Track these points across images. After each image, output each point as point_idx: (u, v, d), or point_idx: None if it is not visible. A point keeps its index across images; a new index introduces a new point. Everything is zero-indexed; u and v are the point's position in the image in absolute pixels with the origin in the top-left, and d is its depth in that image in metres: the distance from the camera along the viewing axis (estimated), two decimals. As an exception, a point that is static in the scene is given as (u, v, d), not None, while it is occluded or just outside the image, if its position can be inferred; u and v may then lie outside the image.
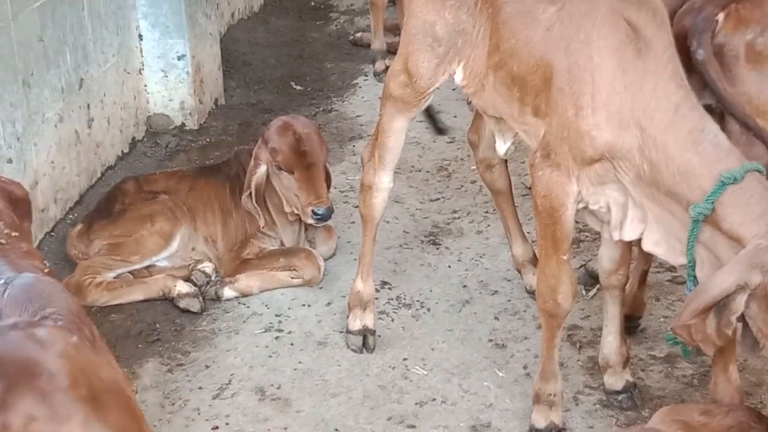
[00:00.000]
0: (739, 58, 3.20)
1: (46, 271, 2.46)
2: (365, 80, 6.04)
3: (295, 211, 4.16)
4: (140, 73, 5.38)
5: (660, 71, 2.92)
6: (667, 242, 2.96)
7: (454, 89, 5.63)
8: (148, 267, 4.27)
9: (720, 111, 3.36)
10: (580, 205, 3.07)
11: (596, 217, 3.14)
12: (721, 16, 3.21)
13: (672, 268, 4.14)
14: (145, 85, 5.43)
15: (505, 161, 4.01)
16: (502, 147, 3.53)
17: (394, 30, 5.97)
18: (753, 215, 2.73)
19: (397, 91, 3.56)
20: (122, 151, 5.26)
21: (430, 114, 4.44)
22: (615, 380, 3.51)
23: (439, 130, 4.38)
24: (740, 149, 3.26)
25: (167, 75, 5.42)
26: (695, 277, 2.88)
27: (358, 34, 6.67)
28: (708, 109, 3.39)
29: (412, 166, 5.08)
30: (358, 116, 5.62)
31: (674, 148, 2.84)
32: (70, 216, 4.65)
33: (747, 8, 3.23)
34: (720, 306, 2.69)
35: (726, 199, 2.76)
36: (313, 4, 7.49)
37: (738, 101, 3.20)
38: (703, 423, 2.82)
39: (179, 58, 5.38)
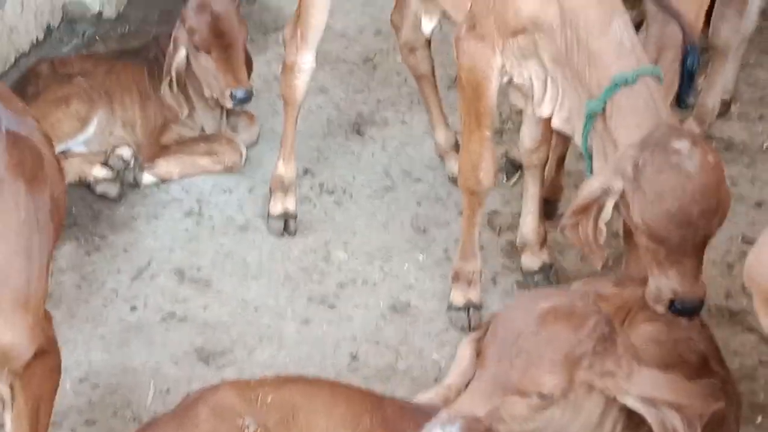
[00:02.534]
0: (656, -66, 3.19)
1: None
2: (290, -29, 5.90)
3: (215, 96, 4.08)
4: (55, -43, 5.17)
5: None
6: (575, 123, 2.98)
7: (380, -18, 5.63)
8: (63, 152, 4.16)
9: (638, -8, 3.37)
10: (505, 78, 3.07)
11: (520, 92, 3.14)
12: None
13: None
14: (60, -30, 5.22)
15: (429, 45, 3.98)
16: (428, 25, 3.51)
17: None
18: (632, 122, 2.77)
19: (319, -34, 3.48)
20: (37, 38, 5.07)
21: None
22: (532, 260, 3.56)
23: None
24: (656, 27, 3.28)
25: (83, -41, 5.21)
26: (593, 168, 2.93)
27: (284, -73, 6.48)
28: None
29: (338, 57, 5.00)
30: (282, 6, 5.48)
31: (584, 32, 2.85)
32: (-18, 101, 4.49)
33: None
34: (592, 210, 2.75)
35: (615, 100, 2.80)
36: None
37: (653, -21, 3.20)
38: (616, 293, 2.88)
39: (96, -58, 5.18)
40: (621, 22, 2.85)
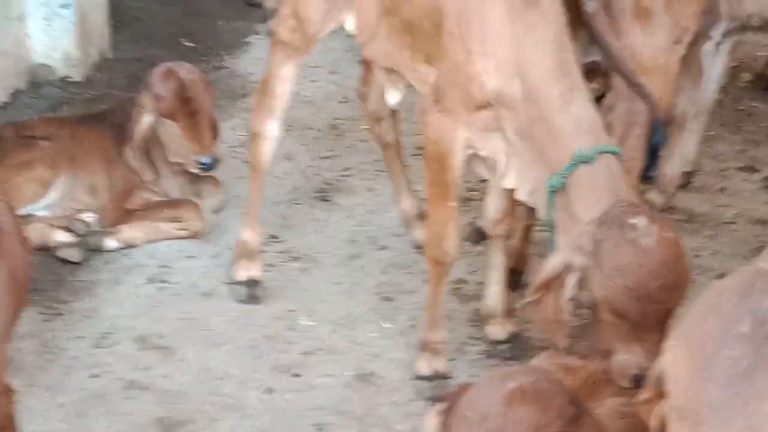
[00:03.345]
0: (626, 12, 3.27)
1: None
2: (258, 38, 5.95)
3: (181, 161, 4.07)
4: (21, 21, 5.18)
5: (544, 27, 2.96)
6: (539, 196, 3.01)
7: (347, 51, 5.69)
8: (25, 216, 4.11)
9: (607, 67, 3.44)
10: (469, 151, 3.10)
11: (484, 164, 3.17)
12: (610, -29, 3.27)
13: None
14: (27, 33, 5.23)
15: (395, 115, 4.01)
16: (393, 97, 3.53)
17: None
18: (592, 199, 2.82)
19: (286, 36, 3.53)
20: (2, 100, 5.06)
21: None
22: (498, 330, 3.56)
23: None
24: (623, 104, 3.35)
25: (50, 24, 5.22)
26: (554, 241, 2.96)
27: (253, -6, 6.55)
28: (595, 65, 3.47)
29: (304, 124, 5.03)
30: (249, 74, 5.53)
31: (545, 108, 2.90)
32: (-55, 164, 4.45)
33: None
34: (553, 287, 2.79)
35: (576, 176, 2.85)
36: (206, -38, 7.33)
37: (622, 56, 3.27)
38: (581, 366, 2.87)
39: (63, 7, 5.20)
40: (581, 100, 2.90)
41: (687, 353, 1.83)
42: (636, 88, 3.26)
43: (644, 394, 2.02)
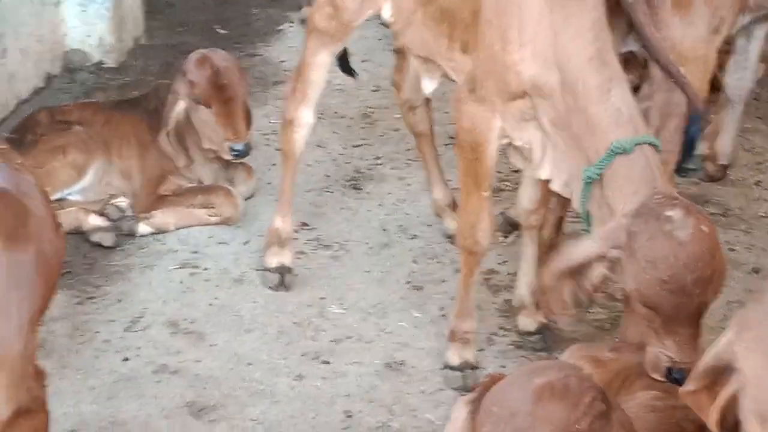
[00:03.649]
0: (665, 2, 3.23)
1: None
2: (291, 26, 5.96)
3: (214, 148, 4.08)
4: (57, 6, 5.21)
5: (583, 16, 2.92)
6: (574, 187, 2.99)
7: (380, 39, 5.68)
8: (59, 200, 4.15)
9: (643, 58, 3.40)
10: (504, 141, 3.08)
11: (520, 154, 3.15)
12: (651, -40, 3.23)
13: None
14: (63, 19, 5.26)
15: (428, 103, 4.00)
16: (428, 86, 3.51)
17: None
18: (628, 191, 2.78)
19: (322, 24, 3.52)
20: (37, 85, 5.10)
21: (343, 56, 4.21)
22: (528, 321, 3.54)
23: (349, 71, 4.20)
24: (661, 95, 3.31)
25: (86, 9, 5.26)
26: (590, 233, 2.93)
27: (286, -18, 6.55)
28: (632, 56, 3.43)
29: (336, 112, 5.03)
30: (282, 61, 5.55)
31: (582, 98, 2.86)
32: (-20, 147, 4.49)
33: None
34: (579, 273, 2.77)
35: (612, 168, 2.82)
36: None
37: (662, 47, 3.23)
38: (613, 359, 2.85)
39: (98, -7, 5.24)
40: (620, 90, 2.86)
41: (764, 354, 1.78)
42: (675, 79, 3.22)
43: (690, 386, 1.98)
